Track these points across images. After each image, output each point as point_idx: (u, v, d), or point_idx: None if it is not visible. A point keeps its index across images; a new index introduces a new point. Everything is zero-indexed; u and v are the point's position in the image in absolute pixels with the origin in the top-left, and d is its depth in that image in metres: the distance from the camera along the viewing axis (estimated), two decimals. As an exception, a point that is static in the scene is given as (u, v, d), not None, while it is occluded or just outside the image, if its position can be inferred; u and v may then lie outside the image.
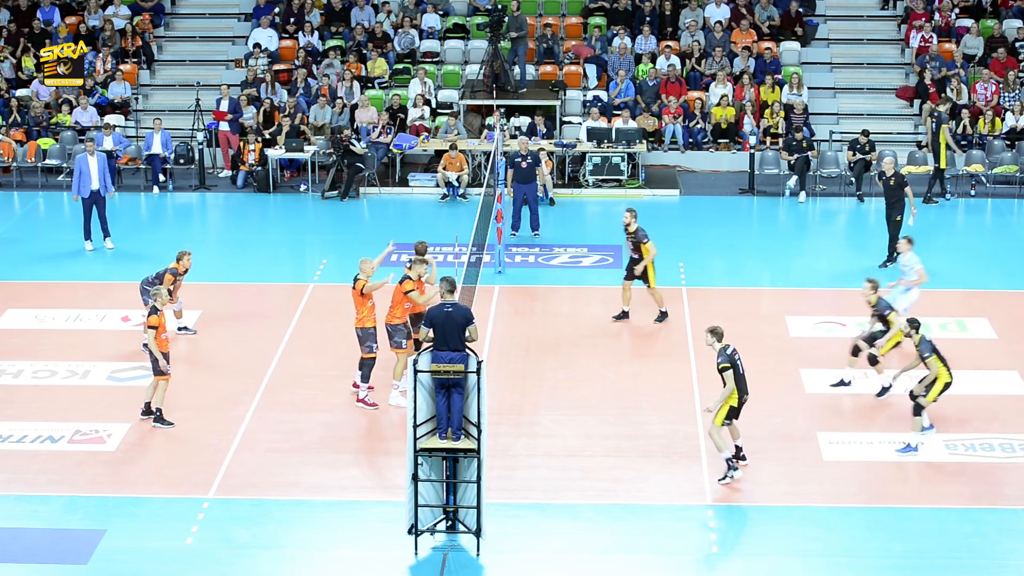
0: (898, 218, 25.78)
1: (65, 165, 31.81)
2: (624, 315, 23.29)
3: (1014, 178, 31.36)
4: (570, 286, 25.40)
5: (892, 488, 18.07)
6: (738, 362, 18.08)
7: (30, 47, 35.09)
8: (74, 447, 19.09)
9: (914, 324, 19.35)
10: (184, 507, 17.49)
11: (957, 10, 35.64)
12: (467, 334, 16.58)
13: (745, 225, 29.56)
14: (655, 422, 19.90)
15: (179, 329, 22.91)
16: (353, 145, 31.01)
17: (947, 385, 18.96)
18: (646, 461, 18.73)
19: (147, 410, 19.80)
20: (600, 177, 31.56)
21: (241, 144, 32.03)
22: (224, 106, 32.70)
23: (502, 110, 31.63)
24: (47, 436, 19.32)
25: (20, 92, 34.24)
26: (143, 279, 22.45)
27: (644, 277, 23.03)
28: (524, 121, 32.66)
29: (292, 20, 35.88)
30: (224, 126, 32.45)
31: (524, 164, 27.46)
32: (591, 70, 34.53)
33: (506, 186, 26.45)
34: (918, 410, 18.87)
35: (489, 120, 32.12)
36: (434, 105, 33.76)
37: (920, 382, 19.04)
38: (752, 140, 31.99)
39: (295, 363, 21.87)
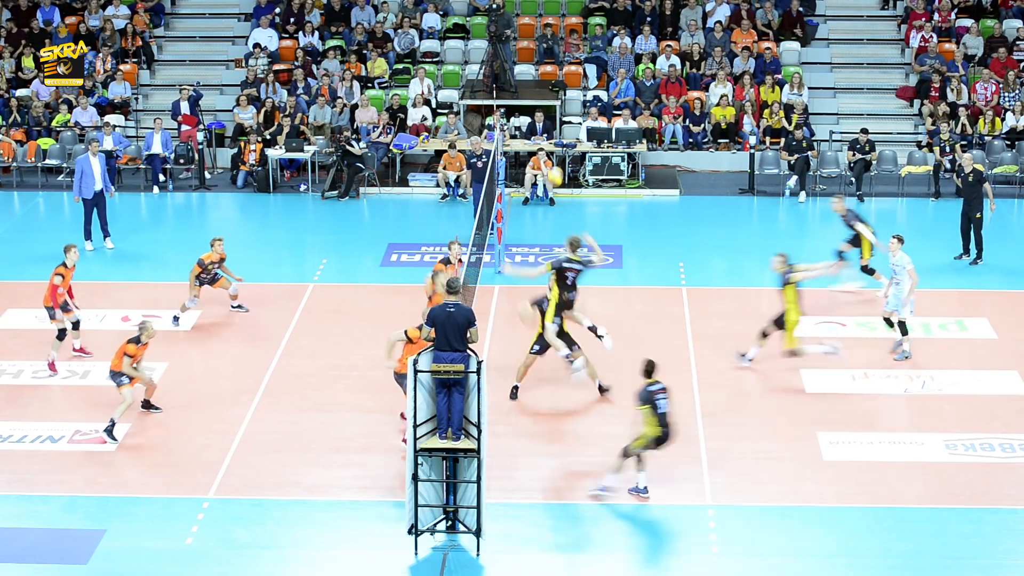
0: (978, 215, 25.85)
1: (65, 165, 31.82)
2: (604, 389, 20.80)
3: (1014, 178, 31.38)
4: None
5: (892, 488, 18.06)
6: (657, 401, 17.21)
7: (30, 47, 35.12)
8: (74, 447, 19.09)
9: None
10: (184, 507, 17.50)
11: (957, 10, 35.69)
12: (468, 335, 16.60)
13: (745, 225, 29.55)
14: (655, 422, 19.89)
15: (233, 307, 23.65)
16: (351, 145, 30.99)
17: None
18: (646, 461, 18.70)
19: (146, 404, 19.89)
20: (600, 177, 31.57)
21: (242, 144, 32.04)
22: (184, 108, 32.65)
23: (502, 110, 31.64)
24: (47, 436, 19.32)
25: (20, 92, 34.25)
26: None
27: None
28: (524, 121, 32.69)
29: (292, 20, 35.89)
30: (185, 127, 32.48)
31: (480, 164, 27.67)
32: (591, 70, 34.55)
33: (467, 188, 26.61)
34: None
35: (489, 120, 32.13)
36: (434, 105, 33.78)
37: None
38: (752, 140, 32.00)
39: (295, 363, 21.87)
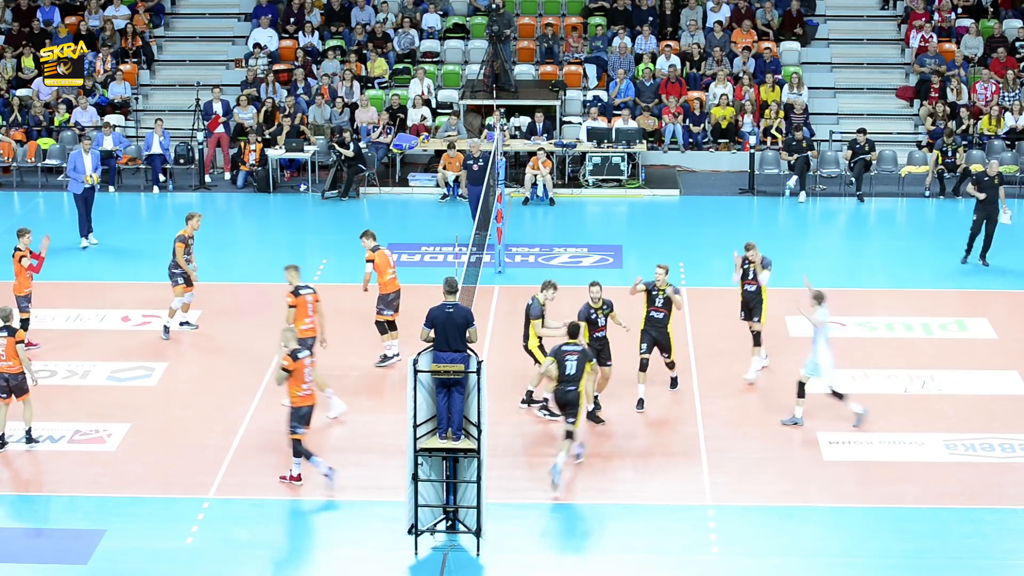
0: (997, 216, 25.87)
1: (64, 165, 31.80)
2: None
3: (1014, 178, 31.37)
4: (570, 286, 25.33)
5: (892, 488, 18.07)
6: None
7: (30, 47, 35.10)
8: (74, 447, 19.09)
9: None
10: (184, 507, 17.50)
11: (957, 10, 35.66)
12: (467, 335, 16.59)
13: (745, 225, 29.54)
14: (655, 422, 19.90)
15: (181, 324, 22.96)
16: (344, 147, 30.86)
17: None
18: (646, 461, 18.73)
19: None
20: (600, 177, 31.56)
21: (242, 144, 32.04)
22: (217, 108, 32.70)
23: (502, 110, 31.64)
24: (47, 436, 19.31)
25: (20, 92, 34.25)
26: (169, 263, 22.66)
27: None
28: (524, 121, 32.69)
29: (292, 20, 35.89)
30: (219, 128, 32.50)
31: (476, 167, 27.69)
32: (591, 70, 34.55)
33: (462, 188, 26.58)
34: None
35: (489, 120, 32.13)
36: (434, 105, 33.78)
37: None
38: (752, 140, 32.00)
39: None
